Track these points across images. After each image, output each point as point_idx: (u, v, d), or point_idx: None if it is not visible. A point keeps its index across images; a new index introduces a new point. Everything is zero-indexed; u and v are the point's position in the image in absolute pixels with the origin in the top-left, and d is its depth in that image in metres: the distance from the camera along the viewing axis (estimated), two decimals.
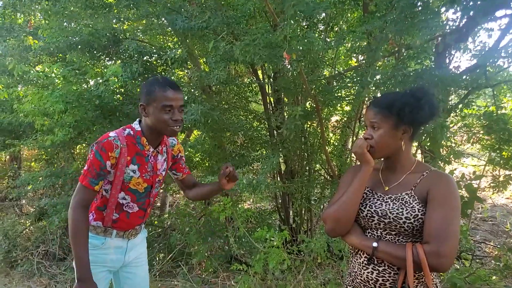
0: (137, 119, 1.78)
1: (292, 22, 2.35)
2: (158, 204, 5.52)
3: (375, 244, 1.33)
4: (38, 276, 4.03)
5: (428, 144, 3.06)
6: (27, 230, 4.90)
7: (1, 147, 5.27)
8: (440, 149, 2.86)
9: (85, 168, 1.66)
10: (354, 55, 4.20)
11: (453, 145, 3.31)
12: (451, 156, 3.04)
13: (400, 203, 1.35)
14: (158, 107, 1.63)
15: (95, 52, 3.83)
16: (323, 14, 3.93)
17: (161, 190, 5.53)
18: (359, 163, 1.56)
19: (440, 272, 1.26)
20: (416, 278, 1.32)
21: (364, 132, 1.46)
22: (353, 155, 4.22)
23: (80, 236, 1.62)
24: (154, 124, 1.67)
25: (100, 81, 3.47)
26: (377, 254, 1.32)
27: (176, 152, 1.96)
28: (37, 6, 4.04)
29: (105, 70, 3.45)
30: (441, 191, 1.31)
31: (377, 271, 1.36)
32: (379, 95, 3.01)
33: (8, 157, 6.76)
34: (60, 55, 3.92)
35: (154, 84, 1.67)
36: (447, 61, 3.44)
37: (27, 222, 5.12)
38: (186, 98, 3.50)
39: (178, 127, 1.68)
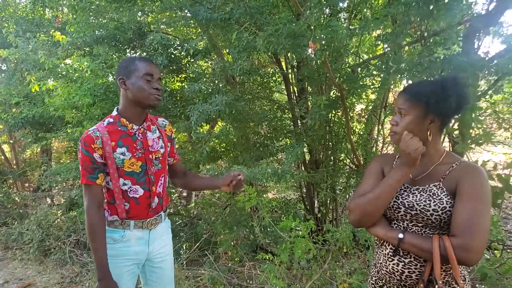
0: (116, 108, 1.80)
1: (318, 8, 2.32)
2: (184, 194, 5.62)
3: (400, 236, 1.31)
4: (71, 264, 4.19)
5: (457, 128, 2.98)
6: (58, 220, 5.08)
7: (33, 139, 5.48)
8: (469, 131, 2.76)
9: (80, 169, 1.69)
10: (379, 42, 4.12)
11: (484, 126, 3.20)
12: (482, 139, 2.93)
13: (427, 194, 1.33)
14: (140, 76, 1.67)
15: (120, 45, 3.90)
16: (346, 2, 3.87)
17: None
18: (383, 155, 1.56)
19: (468, 266, 1.23)
20: (444, 270, 1.30)
21: (390, 118, 1.44)
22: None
23: (97, 237, 1.66)
24: (135, 94, 1.69)
25: None
26: (402, 246, 1.31)
27: (169, 133, 1.97)
28: (64, 2, 4.14)
29: None
30: (471, 183, 1.27)
31: (403, 263, 1.35)
32: (405, 82, 2.95)
33: (39, 149, 7.01)
34: (88, 49, 4.01)
35: (134, 59, 1.73)
36: (476, 46, 3.33)
37: (59, 212, 5.31)
38: (210, 89, 3.53)
39: (158, 95, 1.72)
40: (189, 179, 2.08)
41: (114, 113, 1.77)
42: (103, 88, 3.36)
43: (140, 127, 1.78)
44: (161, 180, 1.85)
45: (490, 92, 3.16)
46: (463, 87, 1.32)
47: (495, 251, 3.85)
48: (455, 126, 2.97)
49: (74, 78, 3.73)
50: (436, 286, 1.22)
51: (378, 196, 1.36)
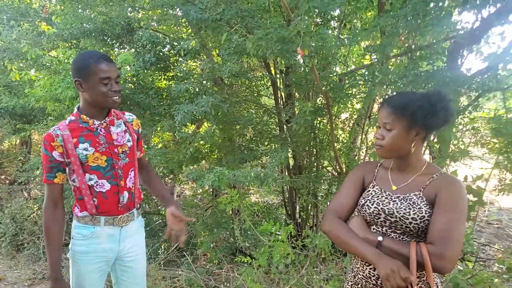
0: (76, 106, 1.78)
1: (306, 17, 2.35)
2: None
3: (380, 238, 1.34)
4: (44, 260, 4.07)
5: (436, 142, 3.06)
6: (34, 214, 4.95)
7: (12, 131, 5.33)
8: (447, 147, 2.85)
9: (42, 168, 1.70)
10: (368, 53, 4.19)
11: (461, 143, 3.29)
12: (457, 154, 3.02)
13: (408, 203, 1.36)
14: (96, 80, 1.63)
15: (108, 40, 3.85)
16: (337, 11, 3.93)
17: (169, 181, 5.58)
18: (366, 163, 1.59)
19: (442, 274, 1.27)
20: (418, 277, 1.33)
21: (375, 132, 1.47)
22: (361, 153, 4.24)
23: (51, 237, 1.67)
24: (93, 98, 1.67)
25: None
26: (380, 249, 1.33)
27: (136, 127, 1.95)
28: None
29: (118, 57, 3.48)
30: (450, 195, 1.31)
31: None
32: (390, 93, 3.01)
33: (18, 141, 6.83)
34: (74, 41, 3.94)
35: (87, 58, 1.66)
36: (459, 62, 3.43)
37: (35, 206, 5.17)
38: (197, 89, 3.52)
39: (117, 97, 1.70)
40: (151, 184, 2.03)
41: (75, 111, 1.75)
42: None
43: (102, 122, 1.76)
44: (130, 174, 1.83)
45: (470, 108, 3.25)
46: (450, 102, 1.35)
47: (468, 263, 3.95)
48: (435, 140, 3.04)
49: (59, 70, 3.66)
50: None
51: (347, 244, 1.37)
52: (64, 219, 1.76)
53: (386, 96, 1.46)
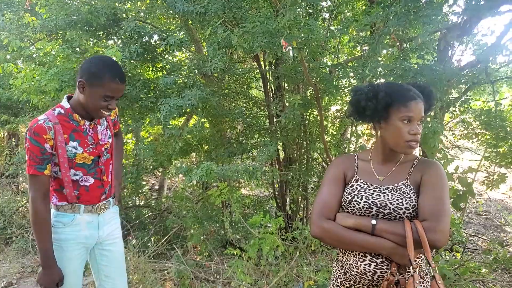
0: (65, 96, 1.76)
1: (294, 8, 2.31)
2: (156, 187, 5.54)
3: (373, 222, 1.33)
4: (33, 254, 4.06)
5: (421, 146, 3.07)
6: (23, 207, 4.91)
7: None
8: (432, 153, 2.86)
9: (26, 158, 1.64)
10: (358, 44, 4.17)
11: (444, 149, 3.32)
12: (443, 161, 3.05)
13: (398, 193, 1.37)
14: (100, 94, 1.63)
15: (94, 31, 3.77)
16: (328, 2, 3.88)
17: (159, 174, 5.55)
18: (342, 158, 1.58)
19: (436, 248, 1.30)
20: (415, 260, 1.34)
21: (408, 128, 1.36)
22: (351, 145, 4.25)
23: (42, 228, 1.66)
24: (87, 105, 1.67)
25: None
26: (375, 232, 1.32)
27: (113, 116, 1.99)
28: None
29: (105, 50, 3.41)
30: (433, 176, 1.38)
31: (375, 263, 1.36)
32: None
33: (6, 133, 6.75)
34: (60, 32, 3.85)
35: (105, 70, 1.63)
36: (449, 55, 3.42)
37: (23, 199, 5.13)
38: (185, 81, 3.47)
39: (109, 113, 1.73)
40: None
41: (66, 105, 1.72)
42: (72, 74, 3.23)
43: (91, 122, 1.78)
44: (109, 168, 1.90)
45: (460, 101, 3.26)
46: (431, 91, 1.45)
47: (456, 253, 4.00)
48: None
49: (44, 61, 3.58)
50: (411, 267, 1.26)
51: (350, 242, 1.37)
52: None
53: (406, 88, 1.39)
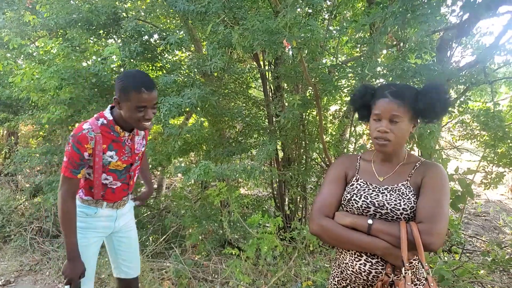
0: (109, 106, 1.86)
1: (294, 8, 2.32)
2: (155, 186, 5.54)
3: (370, 221, 1.34)
4: (31, 252, 4.05)
5: (417, 147, 3.06)
6: (21, 205, 4.91)
7: None
8: (428, 153, 2.86)
9: (65, 159, 1.76)
10: (357, 45, 4.17)
11: (441, 149, 3.32)
12: (439, 161, 3.05)
13: (397, 194, 1.37)
14: (132, 107, 1.70)
15: (95, 29, 3.78)
16: (328, 2, 3.89)
17: (158, 173, 5.54)
18: (344, 158, 1.58)
19: (431, 250, 1.29)
20: (410, 262, 1.34)
21: (370, 125, 1.43)
22: (350, 145, 4.25)
23: (70, 224, 1.79)
24: (127, 119, 1.76)
25: (98, 59, 3.43)
26: (371, 232, 1.33)
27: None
28: None
29: (105, 48, 3.41)
30: (433, 178, 1.36)
31: (370, 263, 1.37)
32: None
33: (5, 132, 6.74)
34: (61, 31, 3.86)
35: (129, 82, 1.70)
36: (448, 55, 3.42)
37: (22, 198, 5.13)
38: (185, 80, 3.47)
39: (149, 123, 1.80)
40: (143, 166, 2.27)
41: (109, 116, 1.82)
42: (72, 72, 3.23)
43: (130, 133, 1.90)
44: (136, 173, 2.07)
45: (458, 101, 3.26)
46: (446, 92, 1.38)
47: (455, 255, 4.00)
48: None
49: (44, 59, 3.58)
50: (403, 268, 1.26)
51: (347, 241, 1.37)
52: None
53: (383, 87, 1.42)
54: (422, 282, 1.39)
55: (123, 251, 2.16)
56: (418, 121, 1.43)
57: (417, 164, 1.43)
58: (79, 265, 1.82)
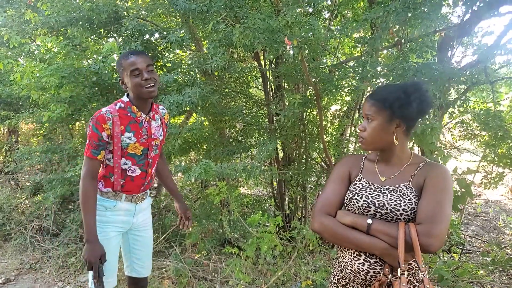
0: (126, 93, 1.96)
1: (294, 7, 2.32)
2: (155, 185, 5.54)
3: (369, 221, 1.34)
4: (31, 251, 4.06)
5: (418, 144, 3.06)
6: (22, 204, 4.91)
7: None
8: (429, 150, 2.86)
9: (87, 142, 1.86)
10: (358, 45, 4.17)
11: (442, 146, 3.30)
12: (440, 158, 3.05)
13: (398, 195, 1.37)
14: (128, 75, 1.82)
15: (95, 28, 3.78)
16: (329, 2, 3.89)
17: None
18: (350, 157, 1.59)
19: (429, 252, 1.29)
20: (410, 264, 1.35)
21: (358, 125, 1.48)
22: (350, 145, 4.25)
23: (88, 204, 1.86)
24: (133, 91, 1.86)
25: (99, 58, 3.43)
26: (370, 232, 1.33)
27: (166, 120, 2.17)
28: None
29: (104, 45, 3.41)
30: (436, 179, 1.35)
31: (368, 263, 1.37)
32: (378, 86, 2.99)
33: (6, 130, 6.75)
34: (62, 29, 3.86)
35: (120, 58, 1.89)
36: (449, 55, 3.42)
37: (23, 196, 5.13)
38: (185, 79, 3.47)
39: (151, 85, 1.84)
40: (161, 167, 2.28)
41: (126, 99, 1.93)
42: (72, 70, 3.24)
43: (147, 116, 1.96)
44: (156, 163, 2.11)
45: (458, 101, 3.25)
46: (425, 92, 1.37)
47: (454, 255, 4.00)
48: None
49: (46, 57, 3.58)
50: (399, 269, 1.26)
51: (346, 240, 1.38)
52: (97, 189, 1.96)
53: (373, 90, 1.46)
54: (420, 283, 1.39)
55: (137, 250, 2.17)
56: (401, 121, 1.38)
57: (420, 164, 1.42)
58: (98, 248, 1.84)
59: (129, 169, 1.95)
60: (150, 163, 2.02)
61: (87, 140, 1.86)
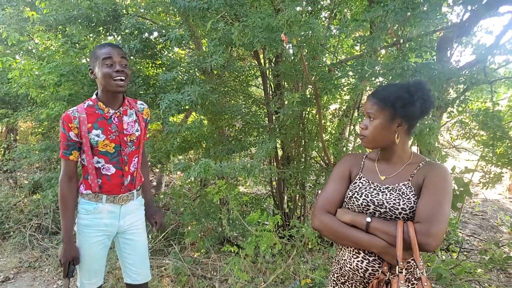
0: (95, 91, 1.94)
1: (294, 5, 2.32)
2: (154, 184, 5.54)
3: (368, 219, 1.35)
4: (30, 249, 4.06)
5: (417, 143, 3.07)
6: (20, 202, 4.91)
7: None
8: (427, 150, 2.87)
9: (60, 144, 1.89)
10: (357, 44, 4.18)
11: (440, 146, 3.31)
12: (437, 158, 3.06)
13: (397, 193, 1.38)
14: (100, 63, 1.80)
15: (94, 26, 3.76)
16: (328, 1, 3.88)
17: (157, 170, 5.55)
18: (351, 156, 1.60)
19: (427, 251, 1.30)
20: (408, 262, 1.36)
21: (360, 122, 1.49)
22: (349, 144, 4.25)
23: (65, 205, 1.88)
24: (101, 82, 1.83)
25: None
26: (369, 230, 1.34)
27: (146, 116, 2.11)
28: None
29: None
30: (435, 178, 1.36)
31: (367, 261, 1.38)
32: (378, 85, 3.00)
33: (4, 128, 6.73)
34: (61, 27, 3.85)
35: (96, 47, 1.88)
36: (448, 55, 3.42)
37: (21, 194, 5.12)
38: (185, 78, 3.47)
39: (121, 79, 1.82)
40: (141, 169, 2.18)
41: (94, 97, 1.91)
42: (71, 68, 3.23)
43: (116, 111, 1.91)
44: (134, 160, 2.01)
45: (457, 101, 3.26)
46: (428, 91, 1.38)
47: (453, 253, 4.02)
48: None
49: (44, 55, 3.57)
50: (397, 267, 1.27)
51: (346, 237, 1.39)
52: (77, 191, 1.96)
53: (375, 88, 1.47)
54: (418, 281, 1.40)
55: (128, 254, 2.08)
56: (403, 120, 1.38)
57: (420, 164, 1.43)
58: (70, 249, 1.86)
59: (103, 168, 1.91)
60: (125, 160, 1.95)
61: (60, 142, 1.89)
